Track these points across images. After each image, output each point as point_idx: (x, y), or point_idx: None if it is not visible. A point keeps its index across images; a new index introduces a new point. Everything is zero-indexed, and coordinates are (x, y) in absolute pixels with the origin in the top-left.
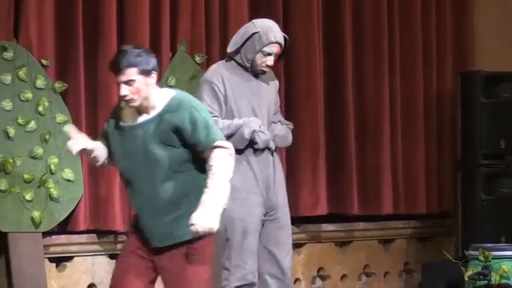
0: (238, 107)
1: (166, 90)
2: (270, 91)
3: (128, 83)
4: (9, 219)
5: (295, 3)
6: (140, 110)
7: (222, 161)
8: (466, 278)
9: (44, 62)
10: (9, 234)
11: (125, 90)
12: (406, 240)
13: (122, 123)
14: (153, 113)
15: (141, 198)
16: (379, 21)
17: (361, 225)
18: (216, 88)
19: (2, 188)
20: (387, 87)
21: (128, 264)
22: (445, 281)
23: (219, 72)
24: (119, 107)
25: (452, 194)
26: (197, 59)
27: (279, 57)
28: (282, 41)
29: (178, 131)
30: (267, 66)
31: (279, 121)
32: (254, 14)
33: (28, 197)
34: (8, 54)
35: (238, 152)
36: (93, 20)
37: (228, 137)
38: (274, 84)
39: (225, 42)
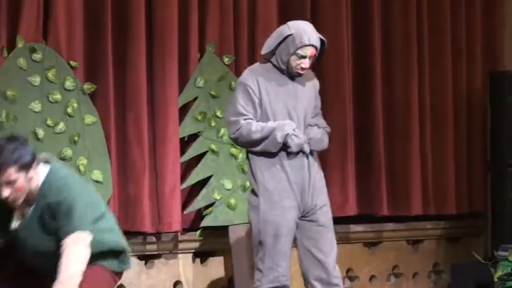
0: (273, 110)
1: (40, 171)
2: (307, 93)
3: (9, 183)
4: None
5: (324, 2)
6: (23, 205)
7: (71, 259)
8: (496, 279)
9: (72, 63)
10: None
11: (6, 191)
12: (435, 241)
13: (11, 226)
14: (32, 205)
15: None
16: (408, 20)
17: (390, 225)
18: (250, 90)
19: None
20: (416, 87)
21: None
22: (475, 281)
23: (254, 74)
24: None
25: (482, 194)
26: (225, 60)
27: (316, 59)
28: (316, 44)
29: (52, 215)
30: (302, 68)
31: (316, 124)
32: (283, 15)
33: None
34: (37, 56)
35: (272, 154)
36: (122, 21)
37: (261, 140)
38: (314, 86)
39: (253, 44)
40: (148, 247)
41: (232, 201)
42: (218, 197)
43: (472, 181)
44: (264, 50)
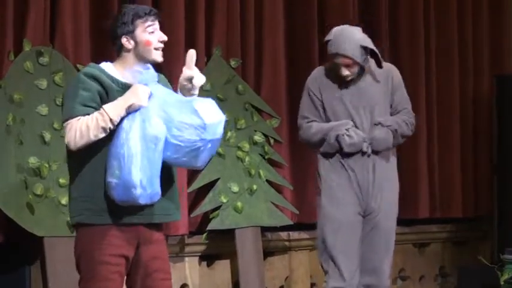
0: (334, 110)
1: None
2: (375, 90)
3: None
4: (45, 224)
5: (331, 6)
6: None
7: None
8: (502, 282)
9: (79, 66)
10: (45, 239)
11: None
12: (442, 244)
13: (124, 81)
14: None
15: None
16: (415, 23)
17: (396, 229)
18: (311, 93)
19: (38, 193)
20: (423, 90)
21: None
22: (481, 285)
23: (316, 75)
24: (100, 69)
25: (488, 197)
26: (232, 63)
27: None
28: (347, 53)
29: None
30: (343, 76)
31: (380, 122)
32: (290, 18)
33: (64, 201)
34: (44, 60)
35: (335, 154)
36: None
37: (321, 142)
38: (387, 82)
39: (260, 47)
40: None
41: (239, 204)
42: (225, 200)
43: (479, 184)
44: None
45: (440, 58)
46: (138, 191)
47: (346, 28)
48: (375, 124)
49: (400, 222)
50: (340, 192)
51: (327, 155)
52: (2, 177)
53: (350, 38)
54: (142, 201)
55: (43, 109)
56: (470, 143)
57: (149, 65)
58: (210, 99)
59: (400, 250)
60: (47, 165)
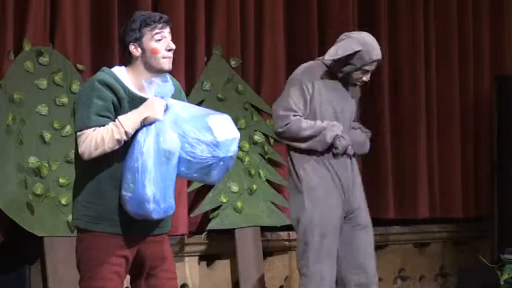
0: (322, 111)
1: None
2: (354, 98)
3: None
4: (45, 224)
5: (331, 7)
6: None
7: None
8: (502, 282)
9: (79, 66)
10: (45, 239)
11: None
12: (442, 244)
13: (140, 94)
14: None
15: None
16: (415, 24)
17: (397, 228)
18: (304, 88)
19: (38, 193)
20: (423, 90)
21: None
22: (481, 285)
23: (310, 72)
24: (113, 74)
25: (489, 197)
26: (232, 63)
27: None
28: (381, 57)
29: None
30: (364, 81)
31: (359, 127)
32: (289, 17)
33: (64, 201)
34: (44, 59)
35: (317, 153)
36: None
37: (310, 138)
38: (357, 91)
39: (260, 47)
40: None
41: (239, 204)
42: (225, 200)
43: (479, 184)
44: (329, 57)
45: (440, 58)
46: (151, 206)
47: (365, 34)
48: (353, 128)
49: (400, 222)
50: (325, 195)
51: (306, 153)
52: (2, 177)
53: (376, 43)
54: (155, 215)
55: (43, 109)
56: (470, 142)
57: (167, 78)
58: (226, 116)
59: (400, 250)
60: (46, 165)
